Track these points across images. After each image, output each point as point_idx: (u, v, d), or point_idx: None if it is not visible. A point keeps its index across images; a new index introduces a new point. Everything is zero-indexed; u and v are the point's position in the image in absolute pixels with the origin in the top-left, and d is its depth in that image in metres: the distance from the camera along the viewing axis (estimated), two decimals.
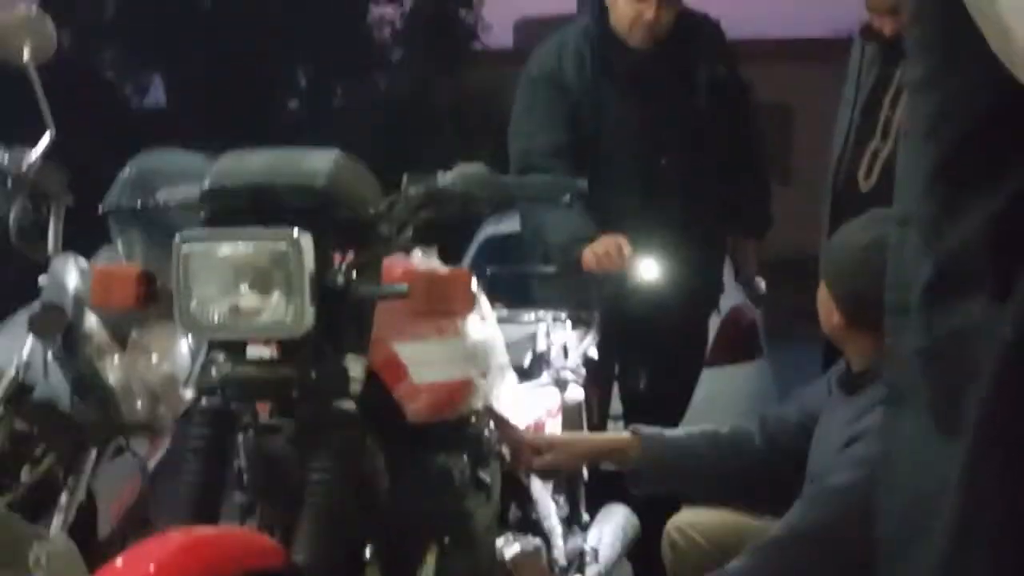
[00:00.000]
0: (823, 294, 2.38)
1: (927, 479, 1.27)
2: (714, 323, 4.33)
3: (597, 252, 3.12)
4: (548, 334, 2.91)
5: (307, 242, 1.85)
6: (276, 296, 1.87)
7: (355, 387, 1.93)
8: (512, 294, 3.37)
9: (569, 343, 2.99)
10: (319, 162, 1.93)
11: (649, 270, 3.17)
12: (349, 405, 1.92)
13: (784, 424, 2.54)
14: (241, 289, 1.88)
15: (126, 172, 2.75)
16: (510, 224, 4.53)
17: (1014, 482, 1.22)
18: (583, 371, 2.98)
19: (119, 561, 1.73)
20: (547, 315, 2.99)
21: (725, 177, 3.50)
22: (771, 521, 2.55)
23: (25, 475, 2.48)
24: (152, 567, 1.65)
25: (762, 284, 5.32)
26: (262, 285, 1.87)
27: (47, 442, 2.50)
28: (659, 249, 3.24)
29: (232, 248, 1.87)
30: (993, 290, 1.19)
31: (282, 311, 1.87)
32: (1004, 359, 1.19)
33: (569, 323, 3.04)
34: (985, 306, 1.20)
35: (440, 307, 1.95)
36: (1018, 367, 1.19)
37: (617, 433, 2.70)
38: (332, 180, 1.90)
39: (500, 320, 2.55)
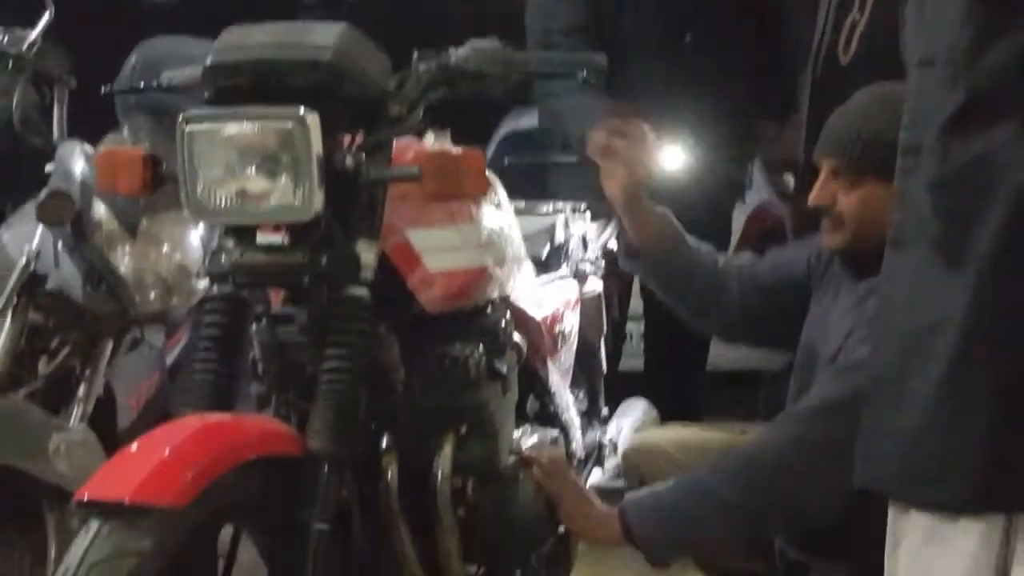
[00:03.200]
0: (831, 183, 2.25)
1: (925, 313, 1.31)
2: (740, 220, 4.32)
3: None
4: (567, 225, 2.90)
5: (314, 121, 1.82)
6: (284, 179, 1.85)
7: (367, 274, 1.92)
8: (531, 189, 3.36)
9: (589, 235, 2.97)
10: (325, 36, 1.89)
11: (670, 158, 3.14)
12: (361, 292, 1.92)
13: (757, 286, 2.47)
14: (248, 172, 1.86)
15: (132, 59, 2.72)
16: (530, 120, 4.49)
17: (1020, 309, 1.27)
18: (603, 263, 2.97)
19: (135, 446, 1.75)
20: (566, 206, 2.98)
21: (751, 57, 3.43)
22: (737, 434, 2.54)
23: (42, 367, 2.51)
24: (167, 451, 1.67)
25: (790, 180, 5.26)
26: (269, 168, 1.86)
27: (62, 333, 2.52)
28: (681, 133, 3.20)
29: (237, 127, 1.85)
30: (1018, 117, 1.24)
31: (290, 194, 1.85)
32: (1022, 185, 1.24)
33: (588, 214, 3.02)
34: (1012, 132, 1.24)
35: (452, 189, 1.93)
36: None
37: None
38: (339, 55, 1.86)
39: (518, 212, 2.54)
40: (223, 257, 1.94)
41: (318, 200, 1.85)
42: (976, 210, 1.28)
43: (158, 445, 1.70)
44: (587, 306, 2.85)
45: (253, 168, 1.86)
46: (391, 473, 2.07)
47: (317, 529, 1.78)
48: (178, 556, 1.69)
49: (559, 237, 2.87)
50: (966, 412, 1.31)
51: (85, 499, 1.61)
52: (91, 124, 2.68)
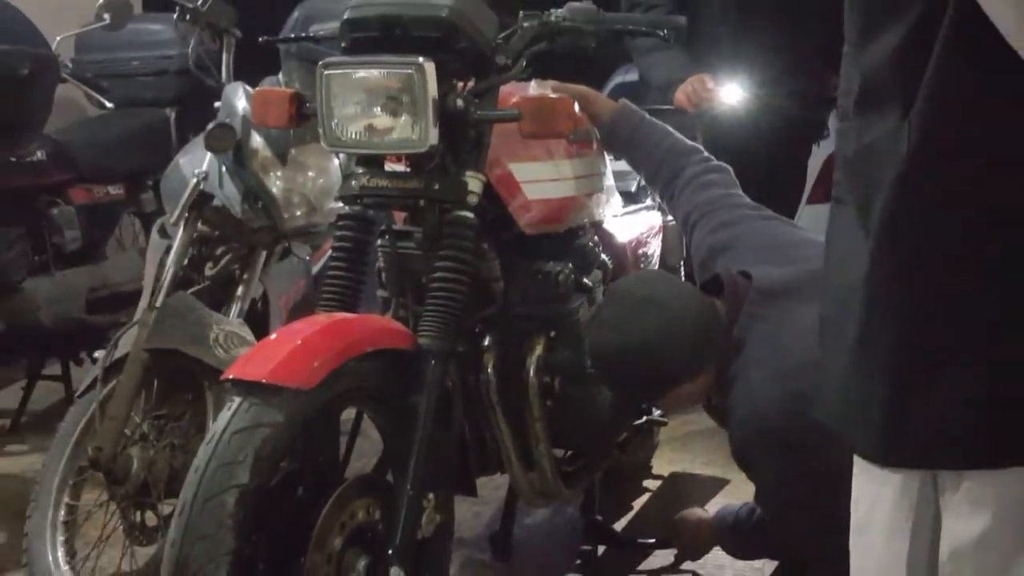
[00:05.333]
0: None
1: (850, 270, 1.28)
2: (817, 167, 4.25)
3: (686, 91, 3.09)
4: None
5: (430, 68, 1.92)
6: (404, 117, 1.95)
7: (472, 199, 2.02)
8: None
9: None
10: None
11: (731, 95, 3.10)
12: (468, 214, 2.02)
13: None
14: (375, 110, 1.97)
15: (295, 14, 2.86)
16: (635, 74, 4.48)
17: (904, 286, 1.22)
18: None
19: (274, 335, 1.88)
20: None
21: (826, 14, 3.29)
22: None
23: (208, 271, 2.68)
24: (299, 341, 1.79)
25: None
26: (392, 107, 1.96)
27: (225, 243, 2.67)
28: (755, 78, 3.16)
29: (366, 73, 1.96)
30: (897, 108, 1.19)
31: (409, 130, 1.95)
32: (901, 173, 1.19)
33: None
34: (893, 124, 1.20)
35: (545, 128, 2.01)
36: (912, 182, 1.19)
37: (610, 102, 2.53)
38: (455, 12, 1.96)
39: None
40: (354, 182, 2.06)
41: (433, 135, 1.94)
42: (870, 193, 1.23)
43: (293, 336, 1.81)
44: (668, 234, 2.90)
45: (379, 107, 1.97)
46: (491, 368, 2.18)
47: (424, 412, 1.89)
48: (306, 431, 1.81)
49: None
50: (872, 374, 1.26)
51: (231, 377, 1.74)
52: (254, 68, 2.81)
